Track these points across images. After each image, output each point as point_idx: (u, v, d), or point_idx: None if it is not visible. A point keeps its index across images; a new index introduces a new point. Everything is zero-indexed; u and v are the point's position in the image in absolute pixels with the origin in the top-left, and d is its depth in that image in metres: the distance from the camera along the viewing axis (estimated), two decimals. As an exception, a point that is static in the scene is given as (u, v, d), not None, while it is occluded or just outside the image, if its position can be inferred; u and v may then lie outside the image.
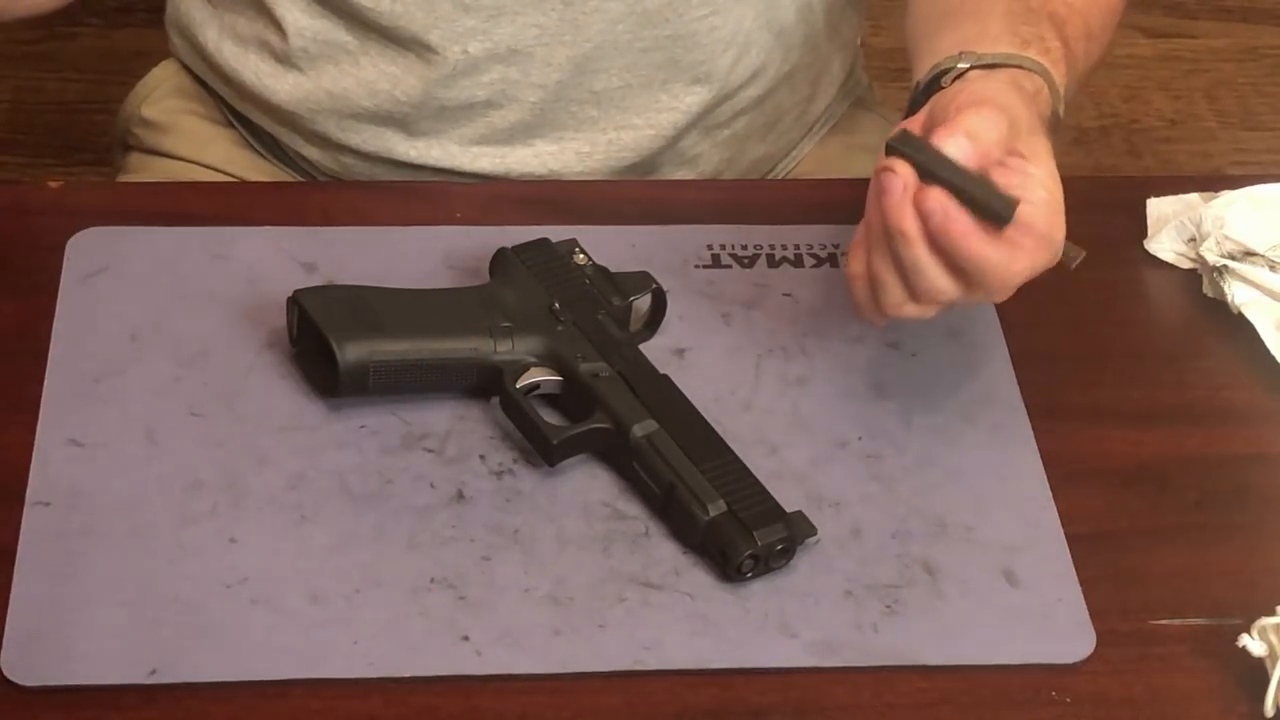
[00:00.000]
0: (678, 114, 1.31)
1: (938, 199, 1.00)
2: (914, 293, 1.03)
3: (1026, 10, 1.13)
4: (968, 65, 1.08)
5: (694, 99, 1.31)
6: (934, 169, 1.00)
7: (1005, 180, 1.01)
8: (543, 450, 1.05)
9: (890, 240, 1.02)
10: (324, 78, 1.30)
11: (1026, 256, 1.02)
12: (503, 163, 1.32)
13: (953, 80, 1.08)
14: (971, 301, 1.05)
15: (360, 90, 1.30)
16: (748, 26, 1.30)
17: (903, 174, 1.01)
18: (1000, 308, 1.17)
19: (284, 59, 1.31)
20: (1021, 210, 1.01)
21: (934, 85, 1.09)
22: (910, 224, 1.01)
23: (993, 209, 1.00)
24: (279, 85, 1.32)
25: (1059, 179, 1.04)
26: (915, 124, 1.05)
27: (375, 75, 1.29)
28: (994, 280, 1.02)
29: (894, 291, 1.04)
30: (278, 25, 1.30)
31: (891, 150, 1.01)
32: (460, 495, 1.05)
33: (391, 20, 1.26)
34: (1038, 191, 1.02)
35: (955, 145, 1.01)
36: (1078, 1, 1.17)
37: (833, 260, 1.19)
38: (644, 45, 1.28)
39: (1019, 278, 1.03)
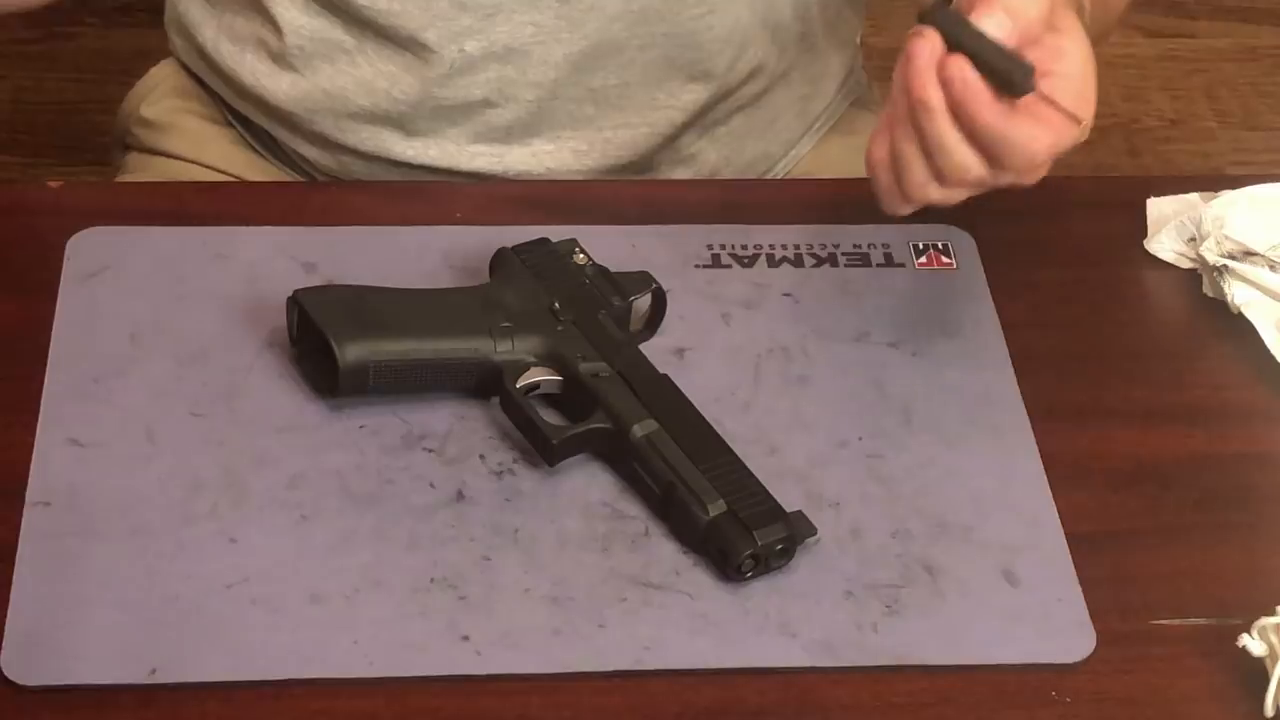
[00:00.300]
0: (675, 111, 1.31)
1: (958, 67, 0.98)
2: (938, 172, 1.02)
3: None
4: None
5: (691, 97, 1.31)
6: (960, 38, 0.99)
7: (1038, 55, 1.00)
8: (543, 450, 1.05)
9: (913, 114, 1.01)
10: (320, 77, 1.30)
11: (1050, 132, 1.00)
12: (500, 161, 1.32)
13: None
14: (999, 183, 1.03)
15: (357, 89, 1.30)
16: (745, 24, 1.30)
17: (930, 41, 0.99)
18: (1000, 308, 1.17)
19: (281, 58, 1.31)
20: (1046, 83, 0.99)
21: None
22: (933, 93, 0.99)
23: (1012, 79, 0.98)
24: (276, 85, 1.32)
25: (1092, 58, 1.02)
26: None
27: (372, 74, 1.29)
28: (1018, 156, 1.00)
29: (918, 170, 1.02)
30: (274, 24, 1.30)
31: (924, 18, 1.00)
32: (460, 495, 1.05)
33: (388, 19, 1.26)
34: (1068, 66, 1.00)
35: (993, 22, 0.99)
36: None
37: (833, 260, 1.19)
38: (641, 43, 1.28)
39: (1044, 154, 1.01)
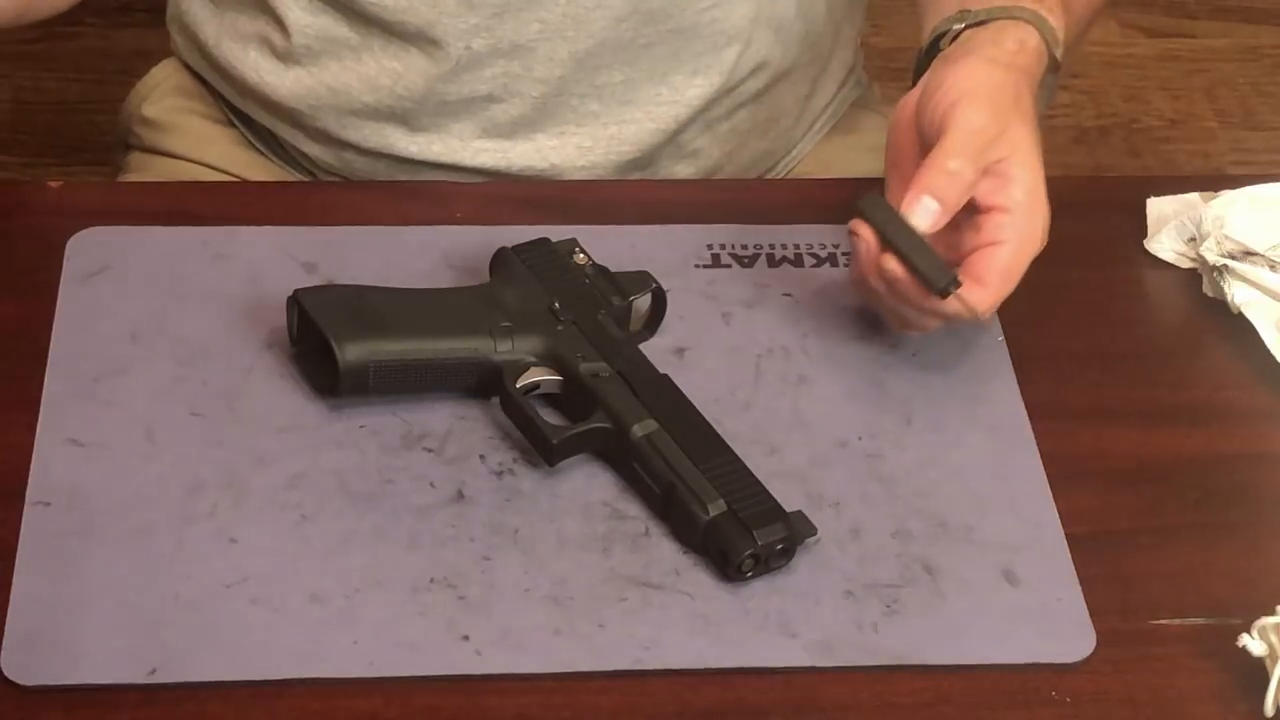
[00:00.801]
0: (679, 107, 1.32)
1: (891, 267, 1.07)
2: (902, 324, 1.12)
3: None
4: (963, 25, 1.13)
5: (695, 92, 1.31)
6: (889, 237, 1.07)
7: (985, 186, 1.07)
8: (543, 450, 1.05)
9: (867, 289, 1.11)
10: (325, 73, 1.30)
11: (992, 293, 1.08)
12: (504, 157, 1.32)
13: (949, 42, 1.14)
14: (960, 324, 1.11)
15: (362, 85, 1.30)
16: (749, 21, 1.30)
17: (866, 239, 1.08)
18: (1000, 308, 1.16)
19: (285, 55, 1.31)
20: (985, 253, 1.08)
21: (934, 49, 1.14)
22: (877, 283, 1.09)
23: (932, 284, 1.06)
24: (280, 81, 1.32)
25: (1040, 174, 1.09)
26: (908, 106, 1.11)
27: (377, 70, 1.29)
28: (967, 318, 1.09)
29: (889, 319, 1.13)
30: (278, 22, 1.30)
31: (858, 210, 1.08)
32: (460, 495, 1.05)
33: (395, 15, 1.26)
34: (1013, 195, 1.08)
35: (919, 212, 1.06)
36: None
37: (832, 260, 1.19)
38: (646, 40, 1.28)
39: (992, 308, 1.09)
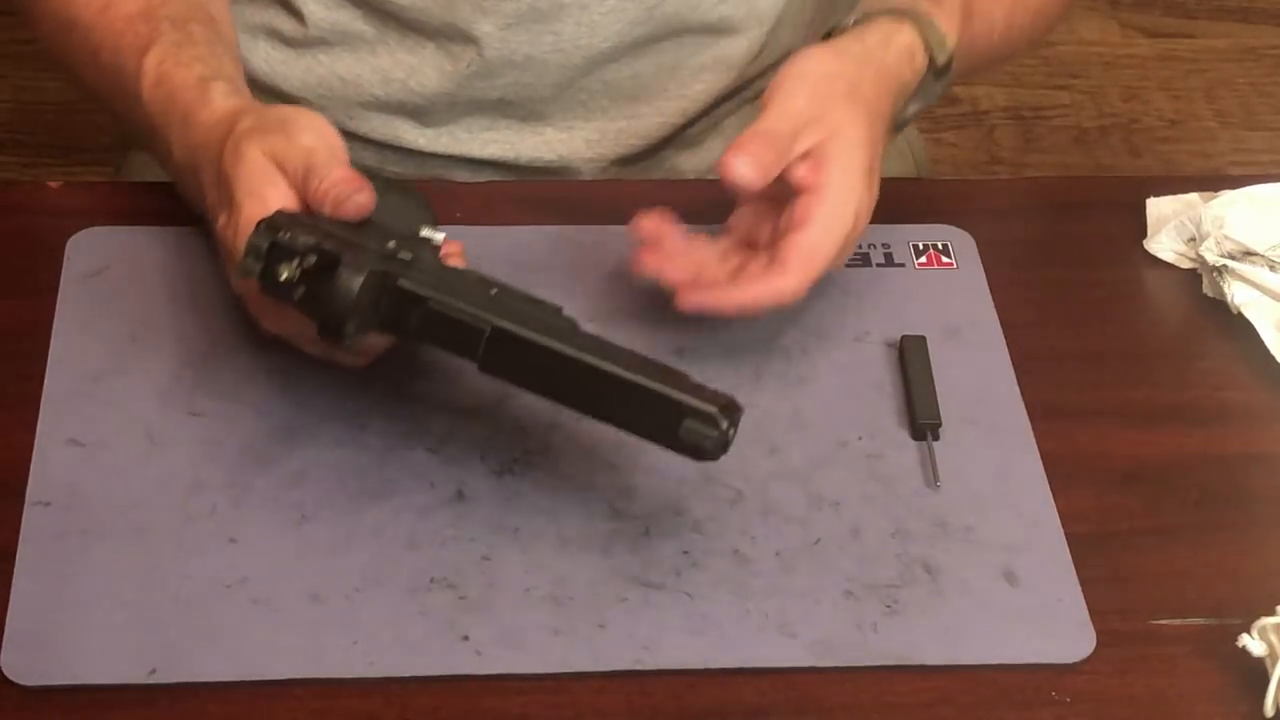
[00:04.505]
0: (686, 101, 1.32)
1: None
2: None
3: None
4: (852, 21, 1.14)
5: (703, 87, 1.32)
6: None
7: (802, 174, 1.07)
8: (470, 347, 0.99)
9: None
10: (339, 64, 1.30)
11: (794, 277, 1.06)
12: (512, 149, 1.32)
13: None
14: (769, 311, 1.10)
15: (374, 78, 1.30)
16: (761, 20, 1.30)
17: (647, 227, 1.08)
18: (1000, 308, 1.17)
19: (296, 43, 1.31)
20: (790, 237, 1.06)
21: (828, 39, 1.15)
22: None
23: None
24: (290, 71, 1.32)
25: (862, 161, 1.08)
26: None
27: (391, 64, 1.29)
28: (770, 304, 1.07)
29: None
30: (291, 10, 1.30)
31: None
32: (460, 495, 1.05)
33: (411, 14, 1.26)
34: (812, 211, 1.07)
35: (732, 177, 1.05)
36: None
37: (833, 260, 1.19)
38: (657, 40, 1.29)
39: (798, 292, 1.07)
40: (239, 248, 1.01)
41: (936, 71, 1.15)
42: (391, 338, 1.04)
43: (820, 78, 1.09)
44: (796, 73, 1.09)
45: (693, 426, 0.97)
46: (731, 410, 0.97)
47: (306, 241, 0.98)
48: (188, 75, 1.12)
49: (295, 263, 0.97)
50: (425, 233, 1.03)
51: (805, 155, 1.07)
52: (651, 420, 0.97)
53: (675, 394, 0.97)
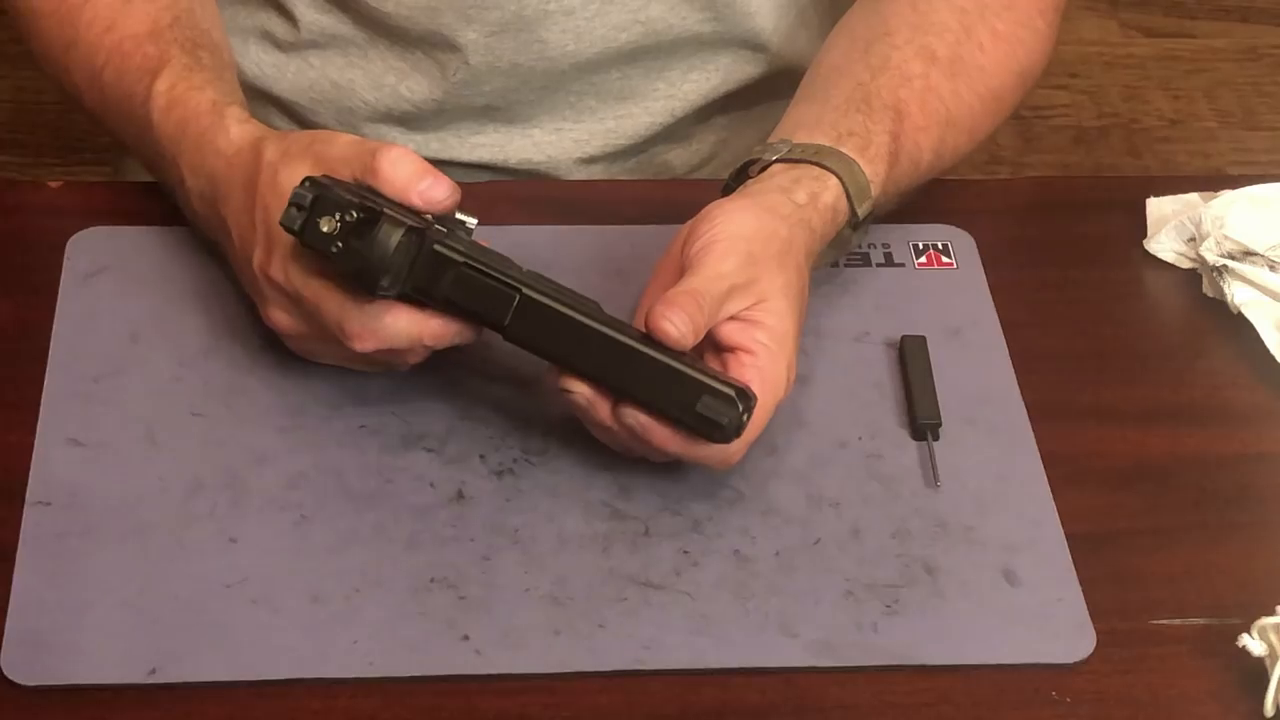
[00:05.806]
0: (675, 101, 1.32)
1: (634, 421, 1.01)
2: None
3: (865, 99, 1.14)
4: (773, 158, 1.11)
5: (691, 87, 1.32)
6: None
7: (732, 332, 1.03)
8: (498, 319, 1.01)
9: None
10: (330, 67, 1.30)
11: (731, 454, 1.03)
12: (501, 152, 1.32)
13: (759, 170, 1.11)
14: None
15: (366, 82, 1.30)
16: (750, 25, 1.30)
17: (585, 394, 1.02)
18: (1000, 308, 1.17)
19: (287, 46, 1.31)
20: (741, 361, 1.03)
21: (743, 173, 1.13)
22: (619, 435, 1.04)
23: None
24: (280, 74, 1.32)
25: (790, 325, 1.05)
26: (683, 230, 1.07)
27: (383, 69, 1.30)
28: (715, 465, 1.04)
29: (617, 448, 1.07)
30: (283, 13, 1.30)
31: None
32: (460, 495, 1.05)
33: (397, 20, 1.26)
34: (749, 370, 1.03)
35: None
36: (944, 88, 1.17)
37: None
38: (645, 45, 1.29)
39: (739, 452, 1.03)
40: (289, 283, 1.03)
41: (854, 225, 1.12)
42: (438, 336, 1.04)
43: (753, 239, 1.05)
44: (730, 233, 1.05)
45: (711, 403, 0.99)
46: (746, 396, 1.00)
47: (349, 198, 1.00)
48: (201, 100, 1.12)
49: (337, 216, 1.00)
50: (460, 215, 1.06)
51: (735, 317, 1.04)
52: (669, 396, 1.00)
53: (695, 372, 1.00)
